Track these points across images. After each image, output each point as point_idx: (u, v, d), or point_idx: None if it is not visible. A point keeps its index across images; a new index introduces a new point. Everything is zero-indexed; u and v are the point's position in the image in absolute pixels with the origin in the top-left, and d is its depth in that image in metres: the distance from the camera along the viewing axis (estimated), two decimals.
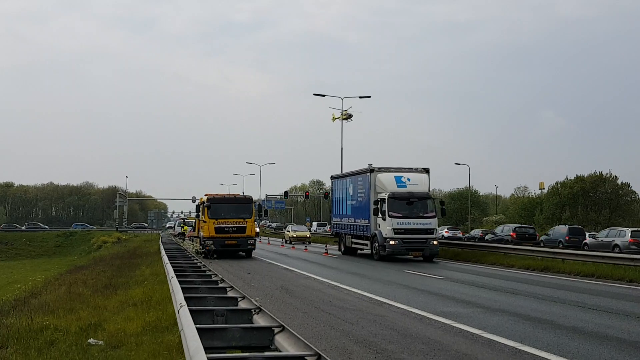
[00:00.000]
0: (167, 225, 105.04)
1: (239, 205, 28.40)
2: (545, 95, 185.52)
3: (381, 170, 27.05)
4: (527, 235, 41.36)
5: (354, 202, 29.33)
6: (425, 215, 25.54)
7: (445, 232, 57.05)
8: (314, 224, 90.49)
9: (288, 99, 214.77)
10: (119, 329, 9.68)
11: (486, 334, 9.12)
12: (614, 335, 9.30)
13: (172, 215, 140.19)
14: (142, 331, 9.34)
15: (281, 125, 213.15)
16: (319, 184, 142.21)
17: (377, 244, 25.80)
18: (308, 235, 47.40)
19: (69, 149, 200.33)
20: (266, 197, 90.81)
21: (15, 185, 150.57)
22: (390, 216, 25.11)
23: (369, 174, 27.07)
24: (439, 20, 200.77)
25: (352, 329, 9.59)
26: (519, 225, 48.49)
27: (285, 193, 77.36)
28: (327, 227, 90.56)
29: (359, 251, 29.99)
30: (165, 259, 18.06)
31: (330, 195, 32.35)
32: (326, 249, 32.82)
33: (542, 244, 36.45)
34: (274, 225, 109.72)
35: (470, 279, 18.04)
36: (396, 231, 25.03)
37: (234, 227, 27.63)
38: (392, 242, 24.99)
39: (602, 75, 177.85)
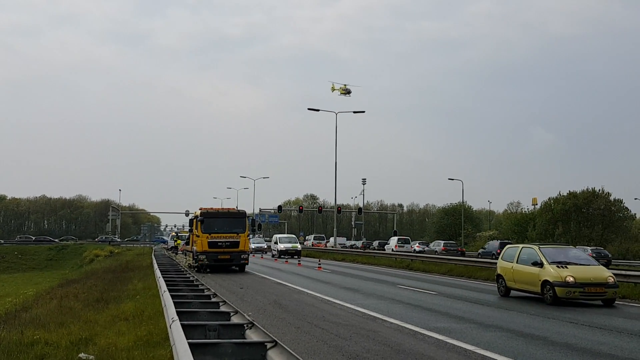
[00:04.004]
0: (156, 239, 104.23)
1: (233, 219, 28.26)
2: (535, 111, 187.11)
3: None
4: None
5: None
6: None
7: (417, 246, 58.17)
8: (309, 237, 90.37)
9: (281, 113, 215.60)
10: (110, 343, 9.59)
11: (480, 350, 9.09)
12: (606, 351, 9.29)
13: (165, 228, 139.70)
14: (134, 346, 9.25)
15: (275, 140, 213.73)
16: (313, 198, 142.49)
17: None
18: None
19: (61, 162, 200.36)
20: (260, 211, 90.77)
21: (8, 198, 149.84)
22: None
23: None
24: (430, 37, 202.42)
25: (345, 345, 9.54)
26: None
27: (279, 207, 77.52)
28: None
29: None
30: (158, 272, 17.98)
31: None
32: None
33: (479, 256, 42.51)
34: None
35: (463, 294, 18.01)
36: None
37: (228, 241, 27.50)
38: None
39: (591, 92, 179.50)
